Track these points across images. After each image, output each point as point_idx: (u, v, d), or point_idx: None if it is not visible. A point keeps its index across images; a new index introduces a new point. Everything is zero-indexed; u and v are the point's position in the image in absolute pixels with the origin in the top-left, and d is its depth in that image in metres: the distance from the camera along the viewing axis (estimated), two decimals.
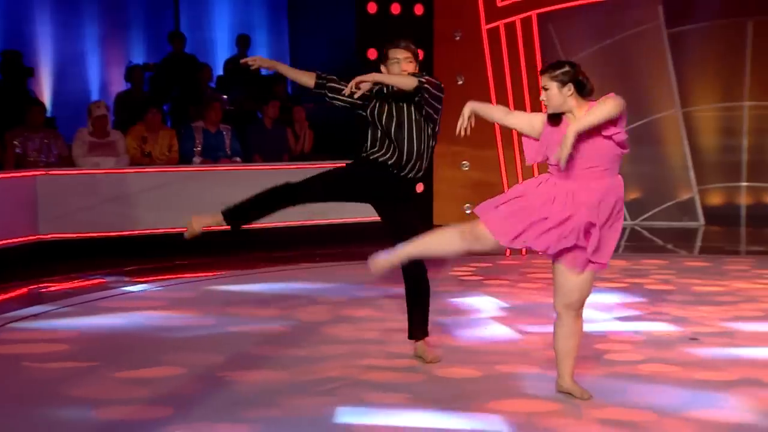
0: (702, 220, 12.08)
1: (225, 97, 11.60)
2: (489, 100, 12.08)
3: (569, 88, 4.08)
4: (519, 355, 5.19)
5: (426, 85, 4.63)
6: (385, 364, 4.97)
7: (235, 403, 4.32)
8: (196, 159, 9.96)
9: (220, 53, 12.48)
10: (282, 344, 5.49)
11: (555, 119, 4.15)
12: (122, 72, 11.29)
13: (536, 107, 12.01)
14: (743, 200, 12.05)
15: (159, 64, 11.64)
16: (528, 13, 11.94)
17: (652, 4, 11.79)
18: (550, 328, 4.49)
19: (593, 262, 4.11)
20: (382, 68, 4.78)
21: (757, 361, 5.03)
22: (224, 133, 10.22)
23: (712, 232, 11.57)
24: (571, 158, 3.95)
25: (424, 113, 4.69)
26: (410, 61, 4.74)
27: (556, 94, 4.09)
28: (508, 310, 6.50)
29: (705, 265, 8.59)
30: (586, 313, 4.41)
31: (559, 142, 3.99)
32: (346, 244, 9.91)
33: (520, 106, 12.12)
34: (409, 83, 4.55)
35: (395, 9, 11.60)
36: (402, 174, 4.78)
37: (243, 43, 12.07)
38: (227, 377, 4.74)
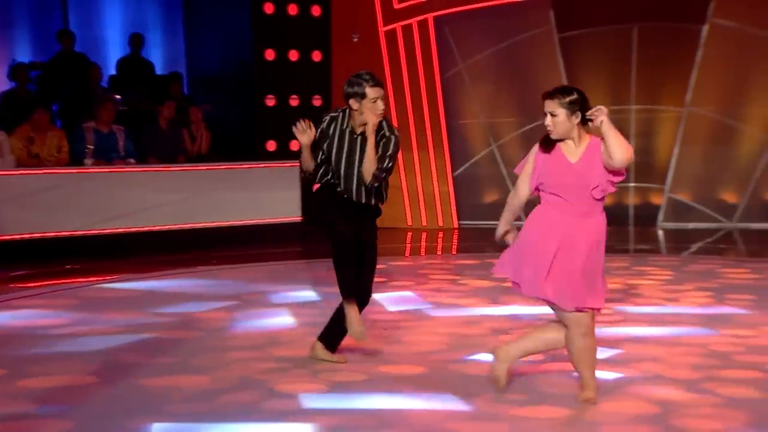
0: None
1: (118, 97, 11.30)
2: (387, 102, 12.14)
3: (577, 116, 4.10)
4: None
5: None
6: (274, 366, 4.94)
7: (127, 409, 4.22)
8: (88, 160, 9.68)
9: (113, 52, 12.16)
10: (173, 348, 5.40)
11: (548, 146, 4.15)
12: (5, 71, 10.90)
13: (433, 108, 12.24)
14: (631, 200, 12.48)
15: (47, 63, 11.26)
16: (424, 16, 12.09)
17: (544, 9, 12.10)
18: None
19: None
20: (353, 102, 4.72)
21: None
22: (117, 133, 9.97)
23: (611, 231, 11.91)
24: (576, 188, 4.06)
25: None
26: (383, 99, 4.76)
27: (564, 121, 4.09)
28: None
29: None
30: None
31: (556, 169, 4.08)
32: (245, 246, 9.83)
33: (417, 107, 12.28)
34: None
35: (292, 10, 11.55)
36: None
37: (136, 42, 11.80)
38: (97, 383, 4.63)
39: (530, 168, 4.22)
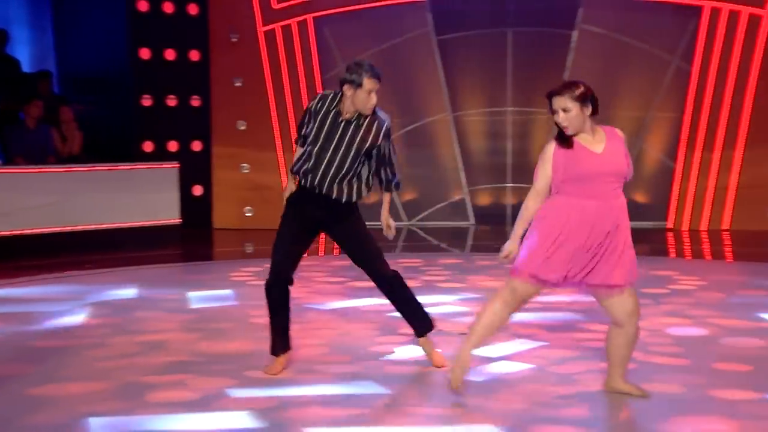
0: (472, 220, 12.72)
1: None
2: (267, 103, 12.07)
3: (588, 108, 4.06)
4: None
5: None
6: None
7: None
8: None
9: None
10: (40, 357, 5.17)
11: (566, 142, 4.07)
12: None
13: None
14: (508, 200, 12.80)
15: None
16: (304, 17, 12.04)
17: (421, 12, 12.27)
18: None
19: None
20: (347, 88, 4.51)
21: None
22: None
23: (481, 231, 12.20)
24: (606, 176, 4.02)
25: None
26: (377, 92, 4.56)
27: (578, 114, 4.03)
28: None
29: (482, 264, 9.00)
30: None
31: (584, 161, 4.00)
32: (119, 249, 9.54)
33: (298, 108, 12.21)
34: None
35: (168, 8, 11.30)
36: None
37: (0, 38, 11.26)
38: None
39: (549, 168, 4.09)
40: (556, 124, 4.11)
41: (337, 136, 4.51)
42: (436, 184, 12.81)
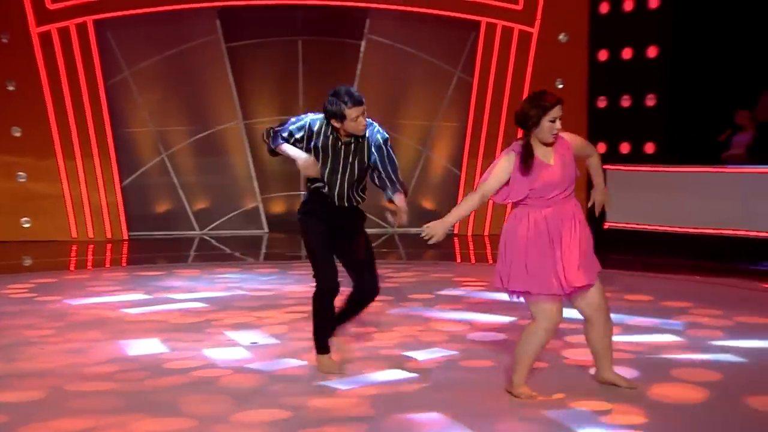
0: (266, 228, 12.66)
1: None
2: (45, 109, 11.42)
3: None
4: None
5: None
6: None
7: None
8: None
9: None
10: None
11: (529, 160, 4.22)
12: None
13: (97, 115, 11.60)
14: None
15: None
16: (83, 19, 11.48)
17: (210, 18, 12.07)
18: None
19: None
20: (335, 122, 4.65)
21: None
22: None
23: (275, 239, 12.16)
24: (558, 186, 4.24)
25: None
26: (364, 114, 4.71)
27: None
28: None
29: (270, 270, 8.96)
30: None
31: (540, 177, 4.20)
32: None
33: (80, 114, 11.67)
34: None
35: None
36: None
37: None
38: None
39: (505, 177, 4.26)
40: (525, 138, 4.26)
41: (342, 158, 4.75)
42: (228, 193, 12.65)
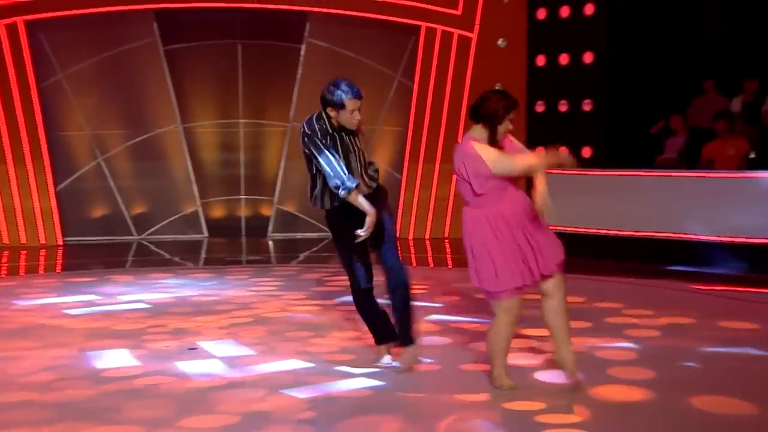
0: (206, 232, 12.52)
1: None
2: None
3: None
4: None
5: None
6: None
7: None
8: None
9: None
10: None
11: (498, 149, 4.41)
12: None
13: (30, 118, 11.31)
14: (242, 212, 12.76)
15: None
16: (13, 20, 11.21)
17: (147, 21, 11.89)
18: None
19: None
20: (331, 110, 4.75)
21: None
22: None
23: (215, 244, 12.04)
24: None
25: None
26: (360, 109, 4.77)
27: None
28: None
29: (208, 275, 8.88)
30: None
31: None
32: None
33: (11, 117, 11.42)
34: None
35: None
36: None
37: None
38: None
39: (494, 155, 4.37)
40: (494, 134, 4.39)
41: (349, 147, 4.85)
42: (167, 197, 12.48)
